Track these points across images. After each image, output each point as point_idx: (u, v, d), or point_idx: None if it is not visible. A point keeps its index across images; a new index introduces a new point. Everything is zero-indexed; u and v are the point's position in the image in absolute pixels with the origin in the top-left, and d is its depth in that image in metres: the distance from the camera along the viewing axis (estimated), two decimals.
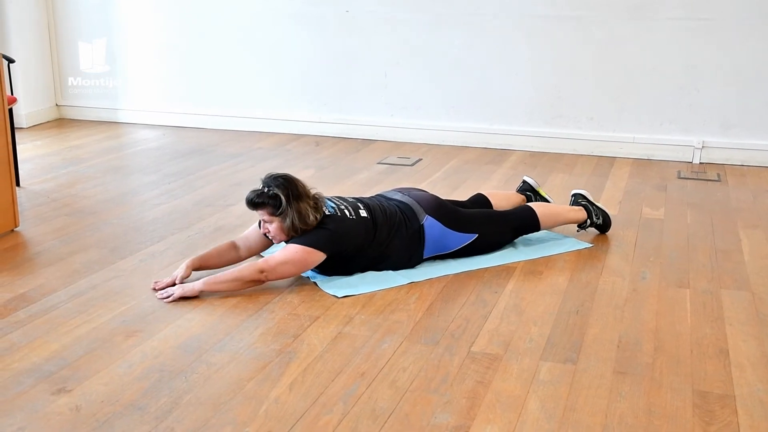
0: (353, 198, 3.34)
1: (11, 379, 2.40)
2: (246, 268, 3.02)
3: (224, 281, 3.01)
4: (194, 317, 2.84)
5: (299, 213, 3.03)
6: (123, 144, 5.82)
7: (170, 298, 2.96)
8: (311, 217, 3.05)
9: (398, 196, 3.40)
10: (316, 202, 3.11)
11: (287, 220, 3.04)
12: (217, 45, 6.14)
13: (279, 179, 3.10)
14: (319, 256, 3.05)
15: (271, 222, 3.10)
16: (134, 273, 3.26)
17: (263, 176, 3.14)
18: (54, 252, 3.49)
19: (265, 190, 3.07)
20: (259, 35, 6.02)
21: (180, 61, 6.28)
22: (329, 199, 3.23)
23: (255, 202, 3.08)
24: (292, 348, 2.61)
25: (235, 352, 2.58)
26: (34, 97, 6.32)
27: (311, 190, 3.14)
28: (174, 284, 3.06)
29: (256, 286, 3.06)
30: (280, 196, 3.04)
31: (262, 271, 3.00)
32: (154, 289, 3.07)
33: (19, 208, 3.81)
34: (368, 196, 3.48)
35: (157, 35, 6.28)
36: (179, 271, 3.11)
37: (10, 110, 4.40)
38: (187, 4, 6.15)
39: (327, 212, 3.12)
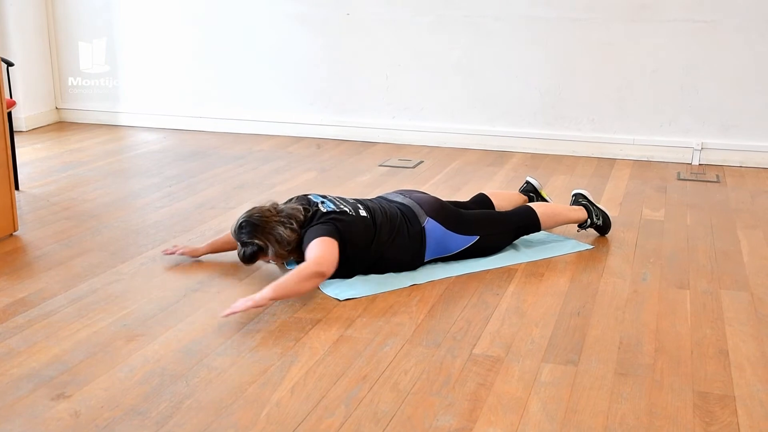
0: (354, 199, 3.34)
1: (10, 384, 2.39)
2: (303, 269, 2.93)
3: (290, 286, 2.89)
4: (195, 321, 2.84)
5: (278, 241, 3.07)
6: (123, 147, 5.82)
7: (238, 310, 2.77)
8: (287, 233, 3.07)
9: (399, 198, 3.40)
10: (288, 214, 3.11)
11: (270, 252, 3.09)
12: (218, 47, 6.15)
13: (243, 229, 3.09)
14: (334, 244, 3.02)
15: (268, 261, 3.23)
16: (135, 277, 3.26)
17: (232, 229, 3.16)
18: (54, 256, 3.49)
19: (246, 250, 3.11)
20: (260, 37, 6.02)
21: (180, 64, 6.28)
22: (329, 199, 3.24)
23: (249, 260, 3.14)
24: (294, 351, 2.61)
25: (237, 356, 2.57)
26: (33, 101, 6.32)
27: (275, 206, 3.16)
28: (182, 253, 3.40)
29: (319, 283, 3.00)
30: (257, 244, 3.08)
31: (316, 267, 2.94)
32: (167, 252, 3.43)
33: (18, 212, 3.81)
34: (369, 198, 3.48)
35: (157, 38, 6.28)
36: (196, 248, 3.44)
37: (9, 113, 4.41)
38: (188, 5, 6.15)
39: (324, 210, 3.15)
